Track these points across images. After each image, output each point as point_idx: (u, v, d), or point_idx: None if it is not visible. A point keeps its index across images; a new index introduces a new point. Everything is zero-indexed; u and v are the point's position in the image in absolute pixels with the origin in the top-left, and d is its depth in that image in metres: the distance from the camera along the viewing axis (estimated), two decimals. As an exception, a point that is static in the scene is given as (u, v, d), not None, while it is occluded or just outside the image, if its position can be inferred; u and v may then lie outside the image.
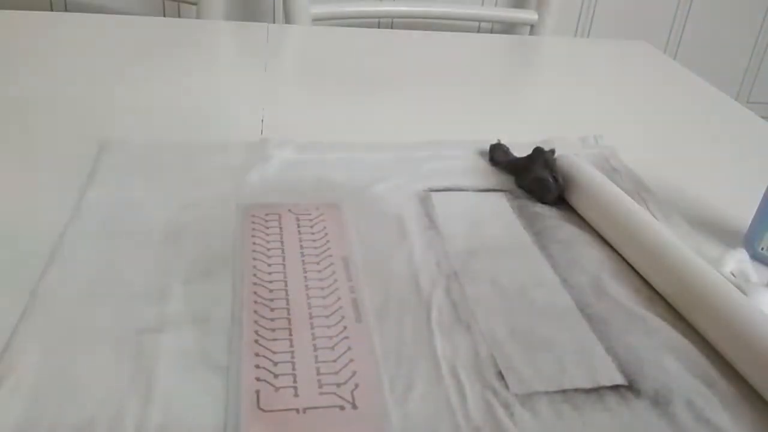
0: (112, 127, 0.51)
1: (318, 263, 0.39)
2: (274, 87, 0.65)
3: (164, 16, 1.30)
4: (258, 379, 0.30)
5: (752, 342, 0.33)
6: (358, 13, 1.20)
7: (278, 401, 0.30)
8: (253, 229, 0.41)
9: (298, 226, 0.42)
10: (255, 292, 0.36)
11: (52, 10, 1.29)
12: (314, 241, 0.40)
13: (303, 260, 0.39)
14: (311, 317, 0.35)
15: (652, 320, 0.37)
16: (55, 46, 0.69)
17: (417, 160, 0.51)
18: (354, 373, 0.31)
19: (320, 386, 0.31)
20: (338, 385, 0.31)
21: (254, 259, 0.38)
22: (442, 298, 0.37)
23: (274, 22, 1.31)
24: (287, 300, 0.35)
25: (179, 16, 1.29)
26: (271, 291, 0.36)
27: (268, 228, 0.41)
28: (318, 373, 0.31)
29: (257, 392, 0.30)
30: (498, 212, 0.46)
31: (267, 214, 0.42)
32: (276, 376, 0.31)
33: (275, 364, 0.31)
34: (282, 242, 0.40)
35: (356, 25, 1.21)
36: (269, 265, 0.38)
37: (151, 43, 0.74)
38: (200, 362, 0.31)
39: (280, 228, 0.41)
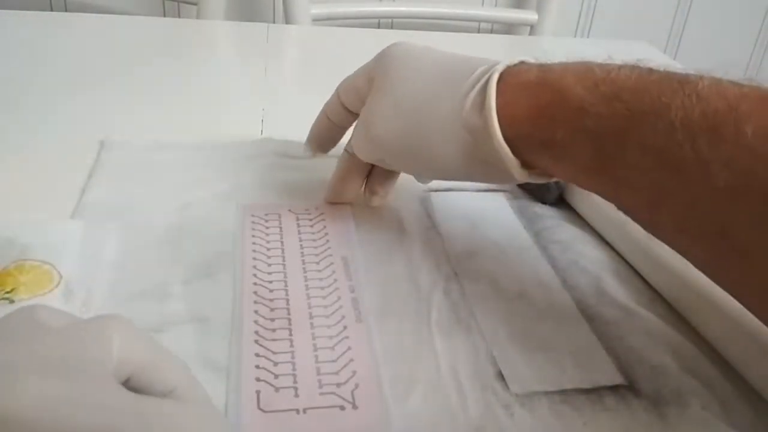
0: (112, 126, 0.51)
1: (318, 263, 0.39)
2: (274, 87, 0.65)
3: (164, 16, 1.30)
4: (258, 380, 0.30)
5: (752, 342, 0.33)
6: (358, 13, 1.20)
7: (278, 402, 0.30)
8: (253, 229, 0.41)
9: (298, 226, 0.42)
10: (255, 292, 0.36)
11: (52, 10, 1.29)
12: (314, 240, 0.40)
13: (303, 260, 0.39)
14: (311, 317, 0.34)
15: (652, 320, 0.37)
16: (55, 46, 0.69)
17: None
18: (354, 373, 0.31)
19: (320, 386, 0.30)
20: (338, 385, 0.31)
21: (254, 258, 0.38)
22: (442, 298, 0.37)
23: (274, 22, 1.31)
24: (287, 300, 0.35)
25: (179, 16, 1.29)
26: (271, 291, 0.36)
27: (268, 228, 0.41)
28: (318, 373, 0.31)
29: (257, 393, 0.30)
30: (498, 212, 0.46)
31: (267, 214, 0.42)
32: (276, 376, 0.31)
33: (275, 364, 0.31)
34: (282, 242, 0.40)
35: (356, 25, 1.21)
36: (269, 265, 0.38)
37: (151, 43, 0.74)
38: (200, 362, 0.31)
39: (280, 228, 0.41)
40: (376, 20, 1.32)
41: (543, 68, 0.33)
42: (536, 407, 0.31)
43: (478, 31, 1.40)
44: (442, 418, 0.30)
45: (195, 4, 1.13)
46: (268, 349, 0.32)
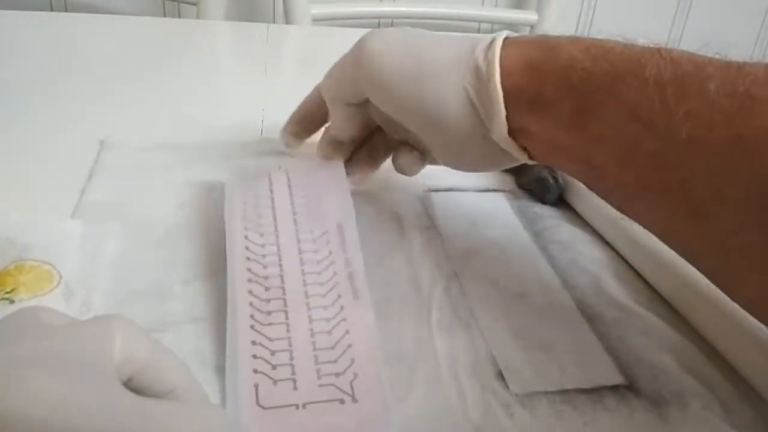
0: (112, 127, 0.51)
1: (312, 231, 0.37)
2: (274, 87, 0.65)
3: (164, 16, 1.30)
4: (256, 371, 0.30)
5: (752, 342, 0.33)
6: (358, 13, 1.20)
7: (277, 396, 0.29)
8: (243, 196, 0.39)
9: (289, 187, 0.40)
10: (249, 269, 0.35)
11: (52, 10, 1.29)
12: (307, 205, 0.39)
13: (296, 229, 0.37)
14: (307, 296, 0.34)
15: (652, 320, 0.37)
16: (55, 46, 0.69)
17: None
18: (352, 361, 0.31)
19: (319, 377, 0.30)
20: (337, 375, 0.30)
21: (246, 229, 0.37)
22: (442, 298, 0.37)
23: (274, 22, 1.31)
24: (282, 277, 0.34)
25: (179, 16, 1.29)
26: (265, 267, 0.35)
27: (259, 190, 0.39)
28: (316, 362, 0.31)
29: (256, 386, 0.29)
30: (498, 212, 0.46)
31: (256, 176, 0.41)
32: (274, 367, 0.30)
33: (272, 353, 0.31)
34: (273, 207, 0.38)
35: (356, 25, 1.21)
36: (261, 235, 0.37)
37: (151, 43, 0.74)
38: (200, 362, 0.31)
39: (271, 190, 0.39)
40: (376, 20, 1.32)
41: (543, 35, 0.36)
42: (536, 407, 0.31)
43: (478, 31, 1.40)
44: (442, 418, 0.30)
45: (195, 4, 1.14)
46: (265, 336, 0.31)
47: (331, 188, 0.40)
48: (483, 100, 0.35)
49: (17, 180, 0.44)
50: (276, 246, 0.36)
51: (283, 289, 0.34)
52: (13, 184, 0.44)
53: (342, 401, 0.29)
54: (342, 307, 0.33)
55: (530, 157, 0.36)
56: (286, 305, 0.33)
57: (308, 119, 0.44)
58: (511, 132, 0.35)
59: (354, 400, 0.29)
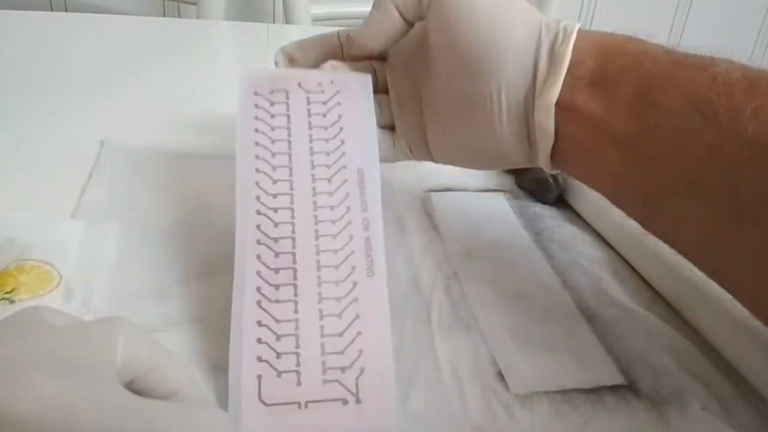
0: (112, 127, 0.51)
1: (330, 180, 0.34)
2: (274, 87, 0.65)
3: (164, 16, 1.30)
4: (260, 359, 0.29)
5: (752, 342, 0.34)
6: (358, 13, 1.19)
7: (280, 392, 0.29)
8: (257, 118, 0.35)
9: (309, 114, 0.36)
10: (258, 226, 0.32)
11: (52, 10, 1.29)
12: (327, 141, 0.35)
13: (313, 174, 0.34)
14: (319, 268, 0.31)
15: (652, 320, 0.37)
16: (55, 46, 0.69)
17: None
18: (360, 353, 0.30)
19: (324, 371, 0.29)
20: (343, 369, 0.29)
21: (257, 171, 0.34)
22: (442, 298, 0.37)
23: (274, 22, 1.31)
24: (293, 240, 0.32)
25: (179, 16, 1.29)
26: (276, 225, 0.32)
27: (273, 116, 0.36)
28: (323, 353, 0.30)
29: (259, 378, 0.29)
30: (498, 212, 0.46)
31: (272, 92, 0.36)
32: (279, 355, 0.29)
33: (278, 338, 0.30)
34: (290, 141, 0.35)
35: (356, 25, 1.21)
36: (275, 182, 0.34)
37: (151, 43, 0.74)
38: (200, 362, 0.31)
39: (288, 116, 0.36)
40: (376, 20, 1.32)
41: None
42: (536, 407, 0.31)
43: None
44: (442, 418, 0.30)
45: (195, 4, 1.13)
46: (272, 316, 0.30)
47: (355, 112, 0.36)
48: (549, 59, 0.33)
49: (17, 180, 0.44)
50: (290, 197, 0.33)
51: (294, 256, 0.32)
52: (13, 184, 0.44)
53: (345, 401, 0.29)
54: (355, 284, 0.31)
55: (551, 153, 0.35)
56: (295, 277, 0.31)
57: (312, 49, 0.41)
58: (557, 105, 0.33)
59: (358, 400, 0.29)
